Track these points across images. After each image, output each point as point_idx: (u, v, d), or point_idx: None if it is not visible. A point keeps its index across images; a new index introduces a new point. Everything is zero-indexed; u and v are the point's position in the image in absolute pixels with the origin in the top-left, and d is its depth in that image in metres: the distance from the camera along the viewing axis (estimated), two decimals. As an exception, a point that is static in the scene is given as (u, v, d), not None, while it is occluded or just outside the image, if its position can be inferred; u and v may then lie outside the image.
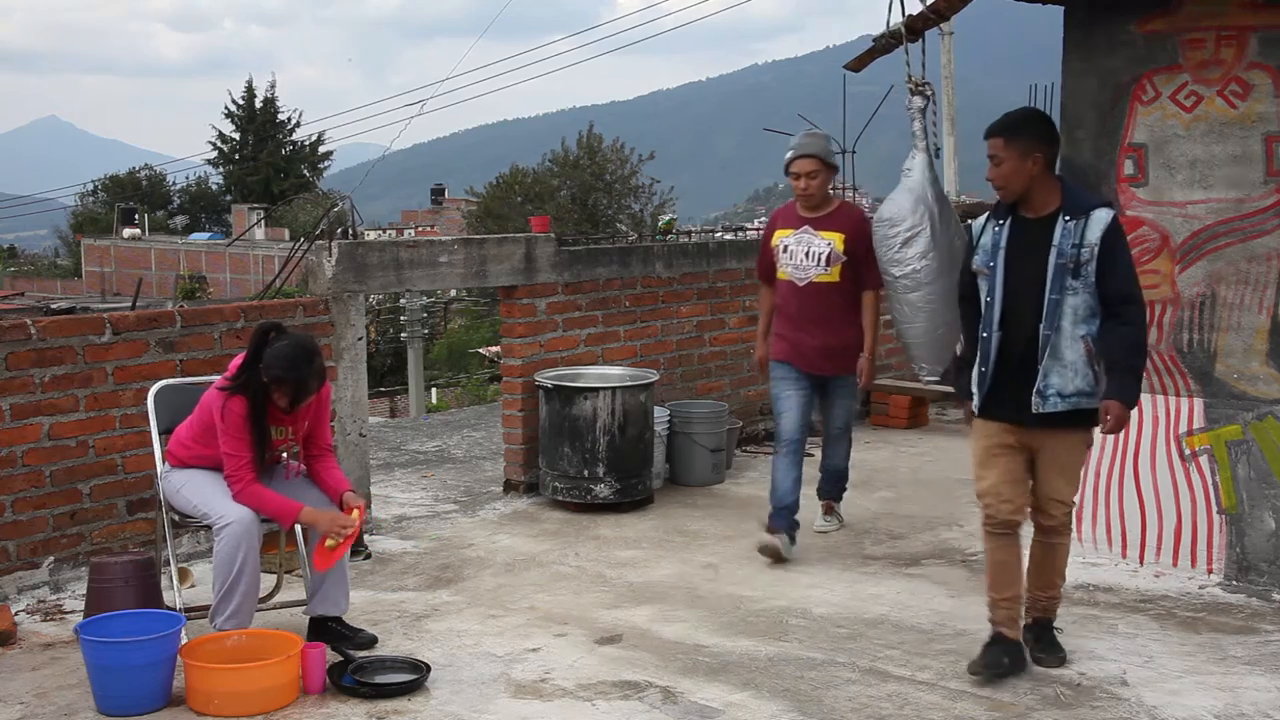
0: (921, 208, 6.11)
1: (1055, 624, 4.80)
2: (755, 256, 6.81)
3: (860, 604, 5.42)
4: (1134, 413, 4.57)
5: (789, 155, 6.12)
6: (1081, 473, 4.73)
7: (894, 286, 6.19)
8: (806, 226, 6.14)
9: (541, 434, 7.14)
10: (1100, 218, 4.40)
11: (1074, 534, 4.83)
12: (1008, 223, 4.53)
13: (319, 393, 4.78)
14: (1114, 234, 4.39)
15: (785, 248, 6.18)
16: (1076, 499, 4.67)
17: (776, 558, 5.97)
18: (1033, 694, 4.42)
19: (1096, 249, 4.37)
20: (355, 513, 4.76)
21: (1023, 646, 4.64)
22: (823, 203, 6.17)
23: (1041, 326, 4.42)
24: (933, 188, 6.18)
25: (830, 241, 6.07)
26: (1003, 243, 4.52)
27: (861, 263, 6.01)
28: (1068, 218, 4.41)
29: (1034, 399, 4.46)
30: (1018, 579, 4.63)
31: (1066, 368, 4.42)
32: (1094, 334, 4.41)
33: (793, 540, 6.05)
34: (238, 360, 4.73)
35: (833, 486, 6.60)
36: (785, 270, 6.20)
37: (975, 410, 4.63)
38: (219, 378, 4.81)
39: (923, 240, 6.10)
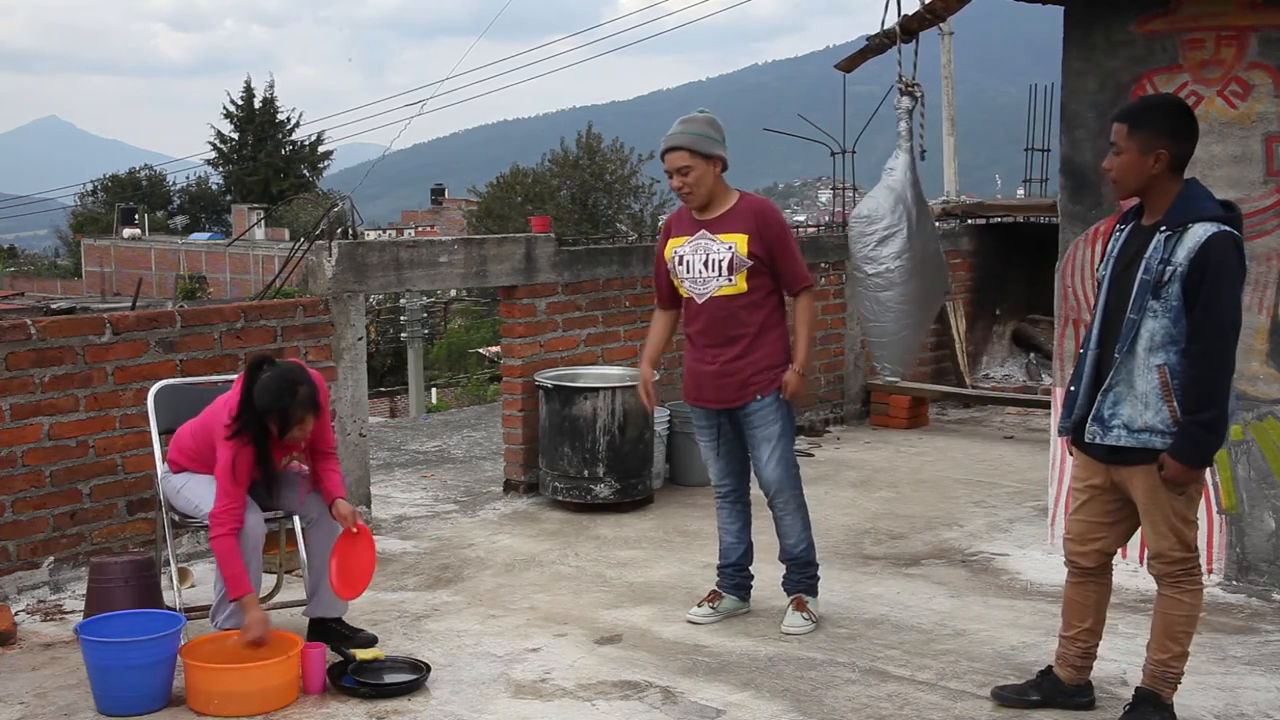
0: (901, 207, 6.13)
1: (1159, 695, 4.08)
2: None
3: (860, 604, 5.42)
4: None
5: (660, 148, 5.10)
6: (1178, 525, 3.99)
7: (865, 284, 6.19)
8: (703, 231, 5.07)
9: (541, 434, 7.14)
10: (1194, 234, 3.82)
11: (1187, 591, 4.05)
12: (1126, 229, 4.08)
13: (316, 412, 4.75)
14: (1206, 256, 3.78)
15: (681, 259, 5.12)
16: (1176, 552, 4.00)
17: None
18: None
19: (1182, 270, 3.81)
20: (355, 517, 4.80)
21: (1062, 688, 4.29)
22: (714, 201, 5.08)
23: (1116, 347, 3.95)
24: (913, 189, 6.22)
25: (731, 244, 5.00)
26: (1114, 251, 4.07)
27: (778, 262, 5.04)
28: (1164, 228, 3.88)
29: (1091, 427, 4.02)
30: (1085, 617, 4.26)
31: (1138, 398, 3.92)
32: (1172, 364, 3.87)
33: (743, 598, 5.32)
34: (234, 398, 4.66)
35: (798, 576, 5.23)
36: (684, 286, 5.15)
37: (1060, 432, 4.23)
38: (220, 398, 4.77)
39: (899, 240, 6.11)
